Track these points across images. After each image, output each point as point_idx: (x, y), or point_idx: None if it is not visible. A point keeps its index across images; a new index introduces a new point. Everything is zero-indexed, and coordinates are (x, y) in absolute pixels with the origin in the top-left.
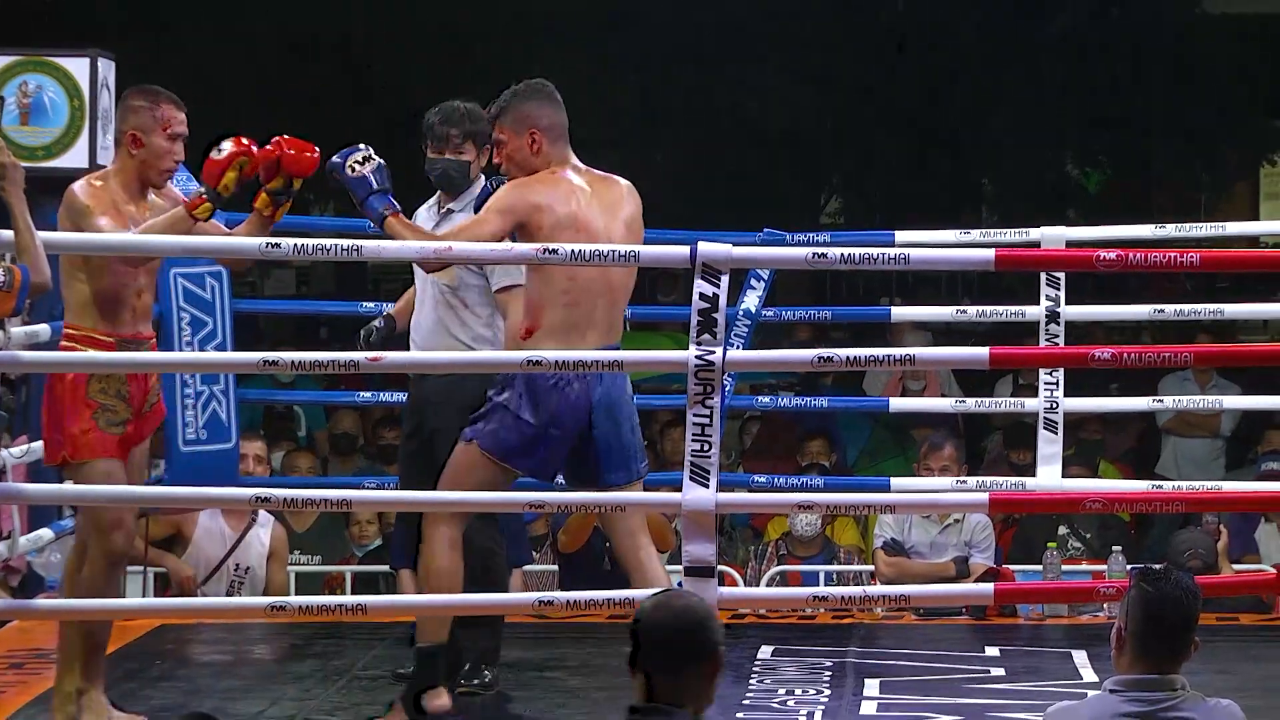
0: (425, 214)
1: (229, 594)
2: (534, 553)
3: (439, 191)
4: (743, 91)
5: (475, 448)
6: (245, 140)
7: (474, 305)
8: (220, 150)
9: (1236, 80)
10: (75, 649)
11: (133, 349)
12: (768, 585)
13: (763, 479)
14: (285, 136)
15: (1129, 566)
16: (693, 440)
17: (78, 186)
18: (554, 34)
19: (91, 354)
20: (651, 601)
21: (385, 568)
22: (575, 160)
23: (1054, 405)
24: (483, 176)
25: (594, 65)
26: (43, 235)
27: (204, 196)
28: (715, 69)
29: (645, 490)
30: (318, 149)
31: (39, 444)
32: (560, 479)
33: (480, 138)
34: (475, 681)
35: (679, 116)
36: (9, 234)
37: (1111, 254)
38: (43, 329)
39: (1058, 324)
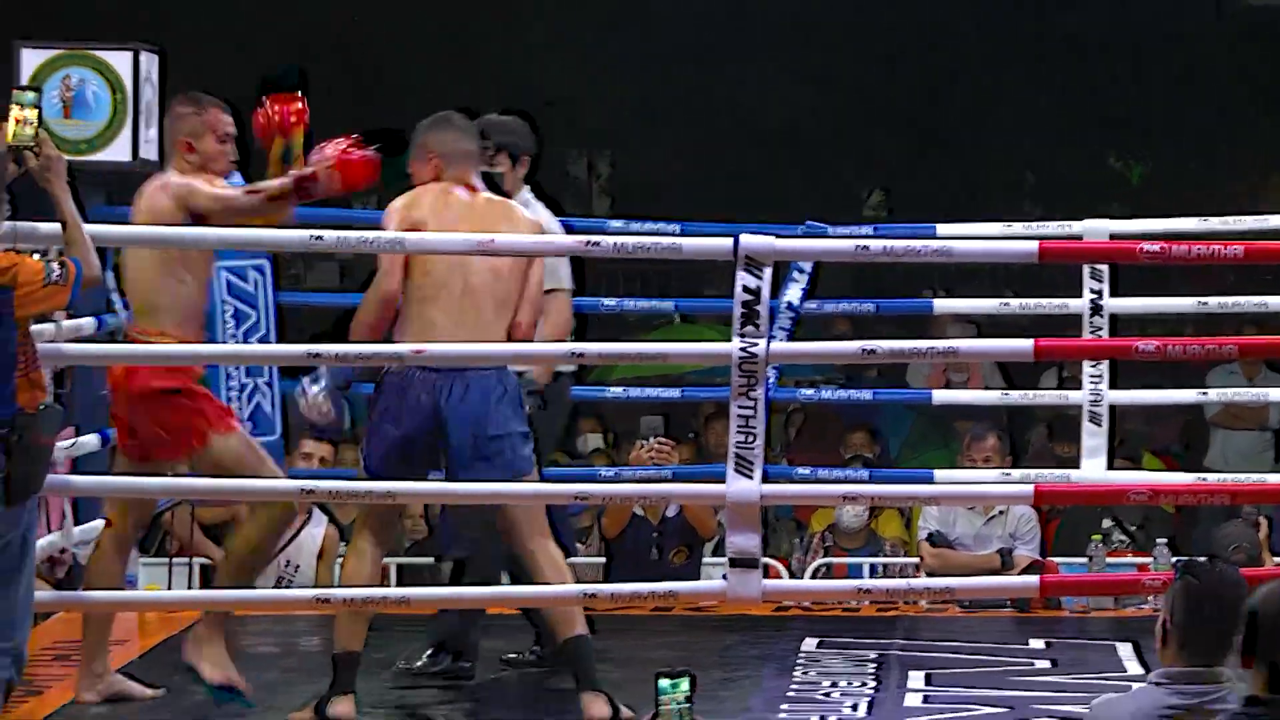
0: None
1: (276, 587)
2: (579, 545)
3: None
4: (784, 85)
5: None
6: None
7: None
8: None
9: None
10: (100, 631)
11: None
12: (812, 578)
13: (806, 471)
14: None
15: (1174, 559)
16: (737, 432)
17: (167, 180)
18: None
19: (138, 347)
20: (1267, 590)
21: (429, 560)
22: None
23: (1098, 398)
24: (526, 188)
25: (618, 63)
26: (93, 229)
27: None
28: (742, 66)
29: (670, 481)
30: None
31: (86, 438)
32: None
33: (513, 149)
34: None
35: (716, 111)
36: (55, 226)
37: (1155, 246)
38: (87, 322)
39: (1101, 316)
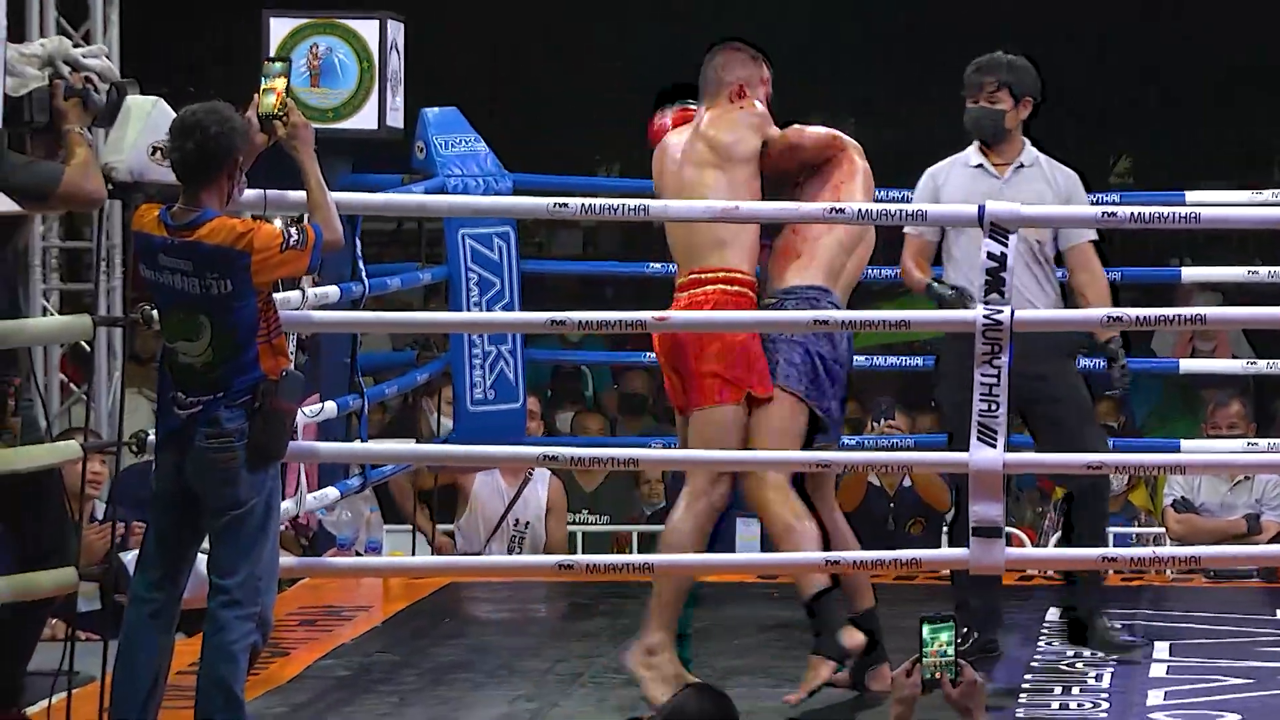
0: (970, 171)
1: (510, 551)
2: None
3: (975, 143)
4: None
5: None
6: None
7: (1049, 262)
8: None
9: None
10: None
11: None
12: (1055, 546)
13: None
14: None
15: None
16: (980, 400)
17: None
18: None
19: (377, 314)
20: None
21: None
22: None
23: None
24: (1026, 141)
25: (868, 27)
26: (337, 196)
27: None
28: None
29: (919, 450)
30: None
31: (330, 403)
32: None
33: (1019, 89)
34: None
35: (961, 80)
36: (301, 195)
37: None
38: (331, 290)
39: None
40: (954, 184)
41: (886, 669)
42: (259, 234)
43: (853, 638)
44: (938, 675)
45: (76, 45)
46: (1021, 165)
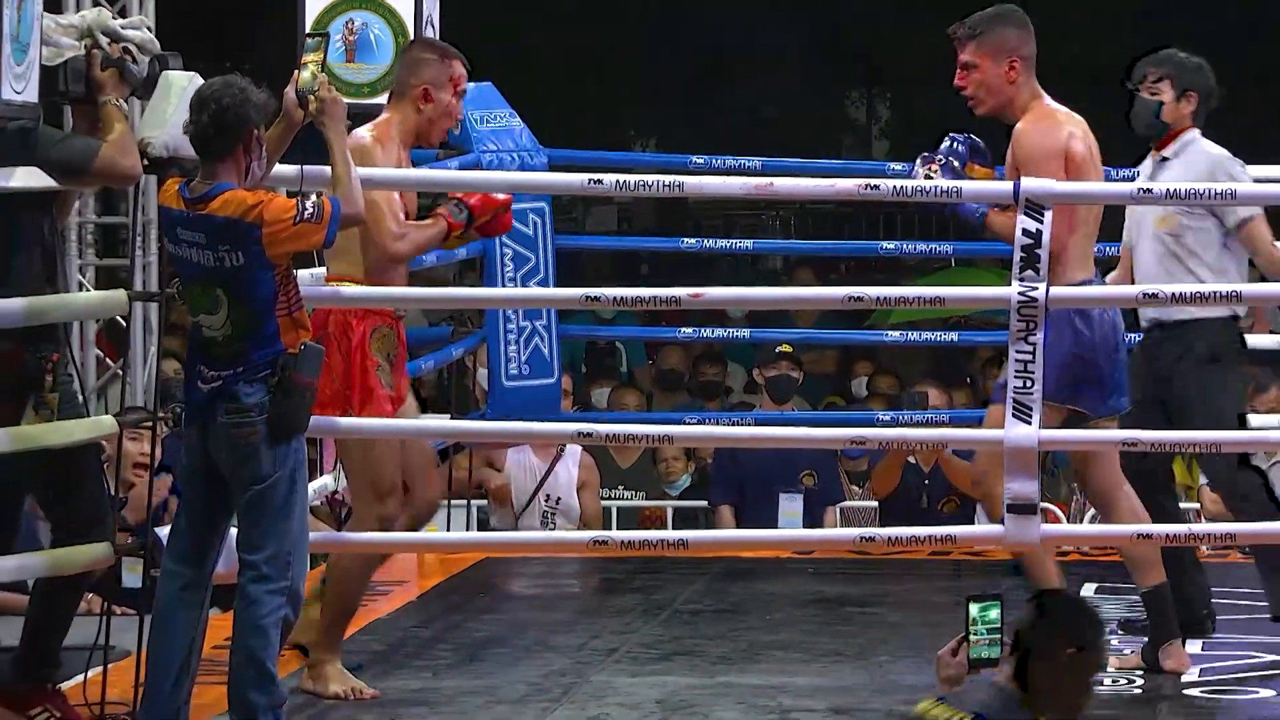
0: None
1: (542, 526)
2: (855, 489)
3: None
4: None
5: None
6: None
7: (1200, 250)
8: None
9: None
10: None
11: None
12: (1090, 522)
13: None
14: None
15: None
16: (1015, 376)
17: (373, 146)
18: None
19: (411, 290)
20: None
21: (704, 503)
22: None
23: None
24: (1196, 131)
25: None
26: (363, 171)
27: (463, 221)
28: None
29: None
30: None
31: None
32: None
33: (1181, 82)
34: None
35: None
36: (329, 170)
37: None
38: (318, 271)
39: None
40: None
41: (1178, 646)
42: (270, 206)
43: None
44: (985, 655)
45: (115, 17)
46: (1165, 159)
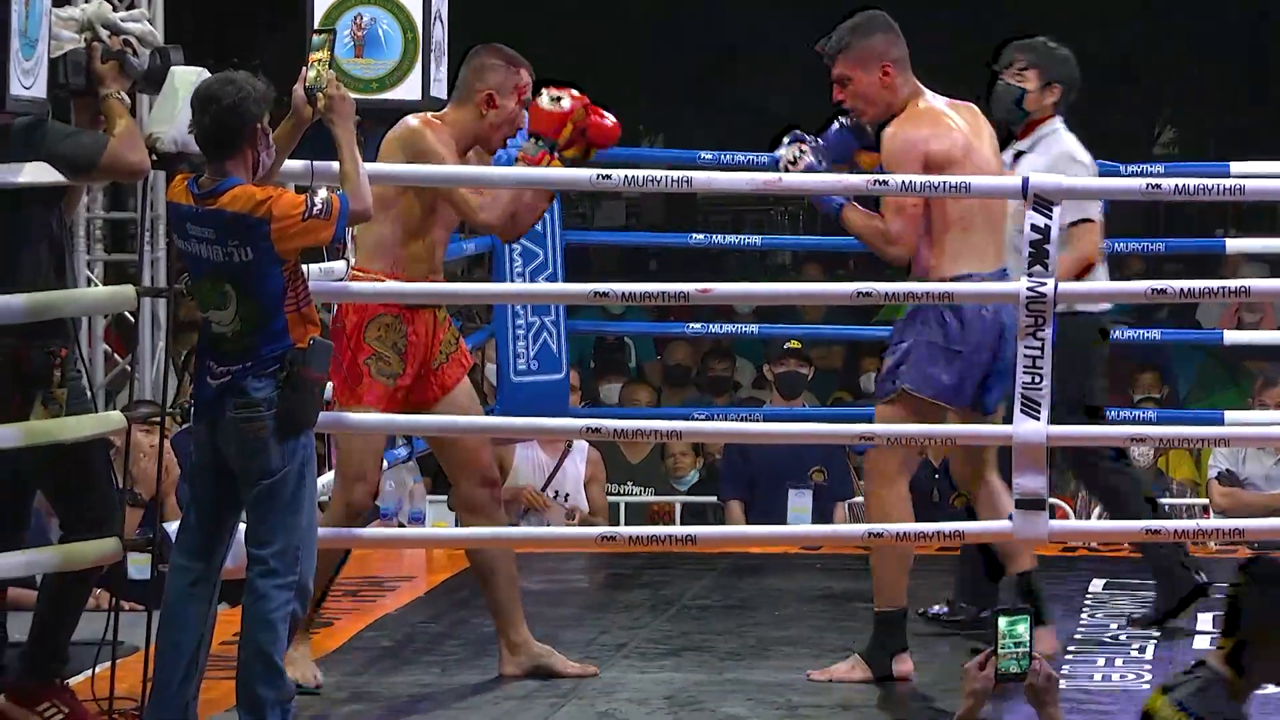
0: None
1: (551, 523)
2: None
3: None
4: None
5: (905, 394)
6: (576, 93)
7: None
8: (559, 102)
9: None
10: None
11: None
12: (1098, 518)
13: None
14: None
15: None
16: (1024, 372)
17: (423, 127)
18: None
19: (419, 285)
20: None
21: (713, 499)
22: (924, 88)
23: None
24: (1059, 119)
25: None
26: (370, 167)
27: (544, 150)
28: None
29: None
30: (617, 120)
31: None
32: None
33: (1047, 73)
34: None
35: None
36: (337, 165)
37: None
38: (339, 265)
39: None
40: None
41: (1044, 632)
42: (278, 202)
43: (903, 665)
44: (1013, 669)
45: (116, 9)
46: (1021, 153)
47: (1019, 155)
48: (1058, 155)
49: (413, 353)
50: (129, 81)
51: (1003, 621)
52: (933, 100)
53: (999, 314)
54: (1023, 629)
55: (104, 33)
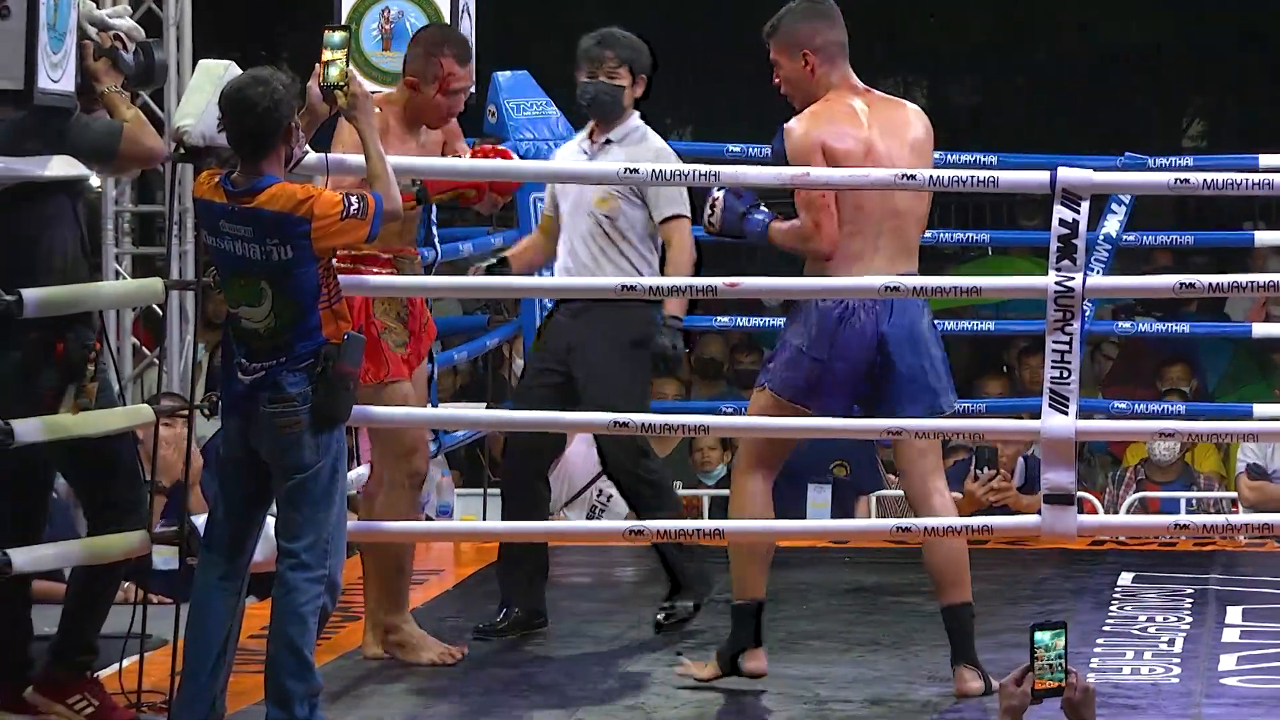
0: (575, 147)
1: (589, 518)
2: (891, 477)
3: (591, 122)
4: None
5: (767, 392)
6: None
7: (633, 237)
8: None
9: None
10: (384, 579)
11: (406, 265)
12: (1127, 512)
13: (1123, 405)
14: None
15: None
16: (1052, 367)
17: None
18: None
19: (447, 280)
20: None
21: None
22: (855, 81)
23: None
24: (635, 113)
25: None
26: (395, 160)
27: (413, 194)
28: None
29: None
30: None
31: None
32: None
33: (637, 67)
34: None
35: (1033, 40)
36: (360, 159)
37: None
38: None
39: None
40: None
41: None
42: (319, 201)
43: (753, 661)
44: (1050, 684)
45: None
46: (609, 141)
47: (607, 144)
48: (663, 148)
49: (413, 316)
50: (122, 76)
51: (1039, 636)
52: (849, 96)
53: (877, 323)
54: (1059, 642)
55: (92, 30)
